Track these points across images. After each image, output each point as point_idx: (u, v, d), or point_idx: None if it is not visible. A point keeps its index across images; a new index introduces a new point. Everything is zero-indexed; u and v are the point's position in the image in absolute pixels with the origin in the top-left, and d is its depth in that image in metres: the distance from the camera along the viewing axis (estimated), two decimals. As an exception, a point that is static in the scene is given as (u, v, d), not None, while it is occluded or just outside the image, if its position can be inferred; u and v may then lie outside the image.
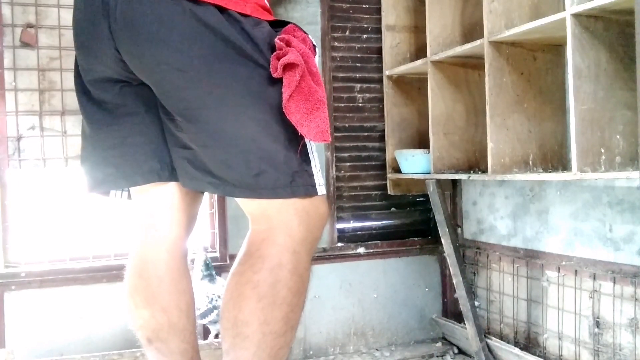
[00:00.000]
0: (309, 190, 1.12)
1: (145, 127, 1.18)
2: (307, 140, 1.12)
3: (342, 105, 2.49)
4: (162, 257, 1.25)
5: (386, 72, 2.45)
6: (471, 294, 2.26)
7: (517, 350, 2.05)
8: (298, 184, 1.11)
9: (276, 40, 1.09)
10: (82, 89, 1.21)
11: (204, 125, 1.08)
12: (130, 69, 1.11)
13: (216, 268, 2.16)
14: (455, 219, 2.53)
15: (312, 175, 1.13)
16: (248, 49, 1.06)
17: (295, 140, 1.10)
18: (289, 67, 1.05)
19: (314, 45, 1.14)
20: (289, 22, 1.15)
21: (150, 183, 1.22)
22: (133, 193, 1.28)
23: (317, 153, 1.17)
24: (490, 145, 1.82)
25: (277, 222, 1.11)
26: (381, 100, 2.49)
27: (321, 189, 1.15)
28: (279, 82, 1.06)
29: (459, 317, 2.42)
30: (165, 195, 1.24)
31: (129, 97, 1.17)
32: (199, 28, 1.04)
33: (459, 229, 2.54)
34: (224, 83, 1.06)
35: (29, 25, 2.08)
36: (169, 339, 1.24)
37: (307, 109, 1.06)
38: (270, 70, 1.06)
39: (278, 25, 1.14)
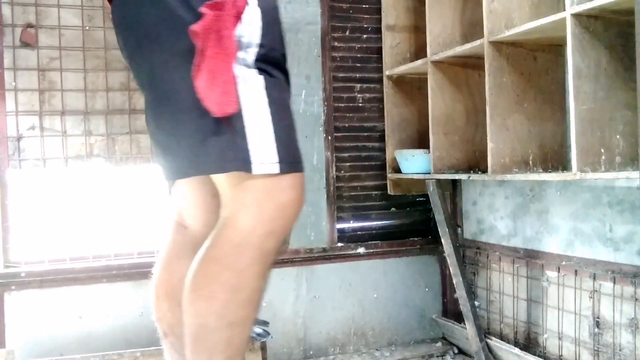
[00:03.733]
0: (241, 165, 1.04)
1: None
2: (245, 112, 1.05)
3: (342, 105, 2.49)
4: (187, 253, 1.25)
5: (386, 72, 2.45)
6: (471, 294, 2.26)
7: (517, 350, 2.05)
8: (225, 158, 1.04)
9: (203, 6, 1.03)
10: None
11: (154, 112, 1.13)
12: None
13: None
14: (455, 219, 2.53)
15: (247, 150, 1.04)
16: (186, 19, 1.03)
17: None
18: (194, 35, 1.01)
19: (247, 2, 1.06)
20: None
21: (175, 180, 1.25)
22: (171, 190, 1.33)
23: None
24: (490, 145, 1.82)
25: (230, 212, 1.08)
26: (381, 100, 2.49)
27: (266, 166, 1.04)
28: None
29: (459, 317, 2.42)
30: (189, 192, 1.27)
31: None
32: (164, 22, 1.05)
33: (459, 229, 2.54)
34: (164, 67, 1.08)
35: (29, 25, 2.08)
36: (182, 336, 1.25)
37: (209, 80, 1.02)
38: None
39: None
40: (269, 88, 1.06)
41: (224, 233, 1.07)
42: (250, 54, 1.06)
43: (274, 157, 1.05)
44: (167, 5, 1.04)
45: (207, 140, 1.04)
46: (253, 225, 1.05)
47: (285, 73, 1.13)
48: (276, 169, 1.05)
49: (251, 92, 1.05)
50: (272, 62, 1.09)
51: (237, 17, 1.04)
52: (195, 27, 1.00)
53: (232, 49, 1.03)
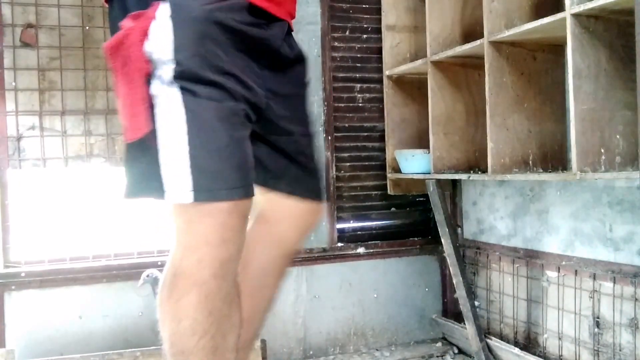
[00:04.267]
0: (155, 193, 1.00)
1: None
2: (160, 136, 0.98)
3: (342, 105, 2.49)
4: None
5: (386, 72, 2.45)
6: (471, 294, 2.26)
7: (517, 350, 2.04)
8: (140, 185, 1.02)
9: (126, 18, 0.98)
10: None
11: None
12: None
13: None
14: (455, 219, 2.53)
15: (160, 177, 0.98)
16: None
17: (144, 138, 0.99)
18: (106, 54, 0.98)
19: (154, 17, 0.97)
20: None
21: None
22: None
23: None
24: (490, 145, 1.82)
25: None
26: (381, 100, 2.49)
27: (178, 195, 0.97)
28: None
29: (459, 317, 2.42)
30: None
31: None
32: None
33: (459, 229, 2.54)
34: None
35: (29, 25, 2.08)
36: None
37: (120, 103, 0.98)
38: None
39: None
40: (189, 108, 0.97)
41: (168, 260, 1.06)
42: (167, 71, 0.97)
43: (188, 185, 0.96)
44: (117, 20, 1.01)
45: (129, 164, 1.02)
46: (180, 254, 1.02)
47: (221, 88, 1.00)
48: (189, 198, 0.96)
49: (168, 113, 0.97)
50: (196, 79, 0.98)
51: (147, 30, 0.96)
52: (105, 44, 0.95)
53: (140, 67, 0.95)
